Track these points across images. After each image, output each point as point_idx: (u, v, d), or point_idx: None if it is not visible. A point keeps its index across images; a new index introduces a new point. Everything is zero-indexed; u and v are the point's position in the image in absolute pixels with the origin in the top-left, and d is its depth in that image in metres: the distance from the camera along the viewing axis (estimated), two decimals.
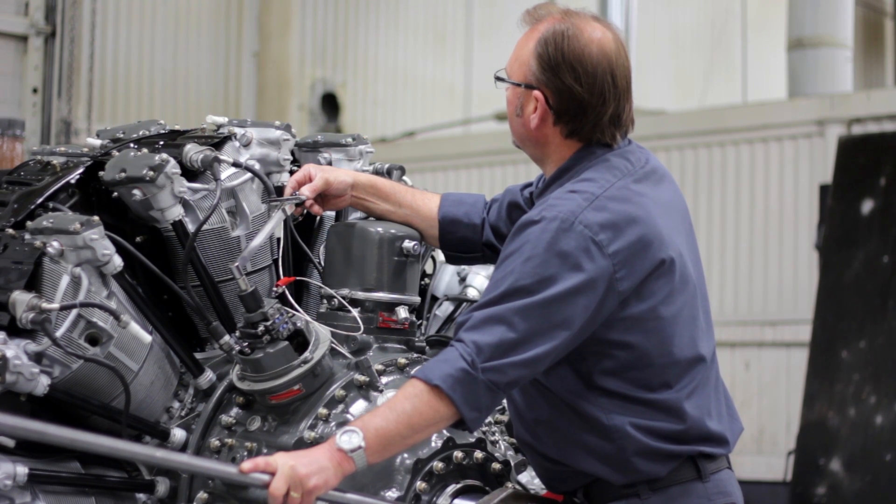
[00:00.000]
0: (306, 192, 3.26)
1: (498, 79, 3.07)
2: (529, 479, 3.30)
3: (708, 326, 3.04)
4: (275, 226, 3.28)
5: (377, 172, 3.59)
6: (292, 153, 3.54)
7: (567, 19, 2.99)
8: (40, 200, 3.26)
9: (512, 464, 3.24)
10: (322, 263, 3.50)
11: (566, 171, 3.01)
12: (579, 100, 2.96)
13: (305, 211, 3.31)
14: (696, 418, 2.94)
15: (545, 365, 2.87)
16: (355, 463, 2.81)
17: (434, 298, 3.72)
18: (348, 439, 2.80)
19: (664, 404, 2.91)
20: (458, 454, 3.16)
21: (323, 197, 3.31)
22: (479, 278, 3.72)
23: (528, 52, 3.00)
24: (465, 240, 3.32)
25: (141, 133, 3.55)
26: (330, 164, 3.57)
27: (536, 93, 2.98)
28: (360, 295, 3.31)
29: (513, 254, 2.88)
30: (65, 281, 3.07)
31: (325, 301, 3.35)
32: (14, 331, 3.02)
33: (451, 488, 3.14)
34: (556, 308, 2.82)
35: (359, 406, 3.18)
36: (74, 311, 3.06)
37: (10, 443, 3.06)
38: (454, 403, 2.81)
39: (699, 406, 2.95)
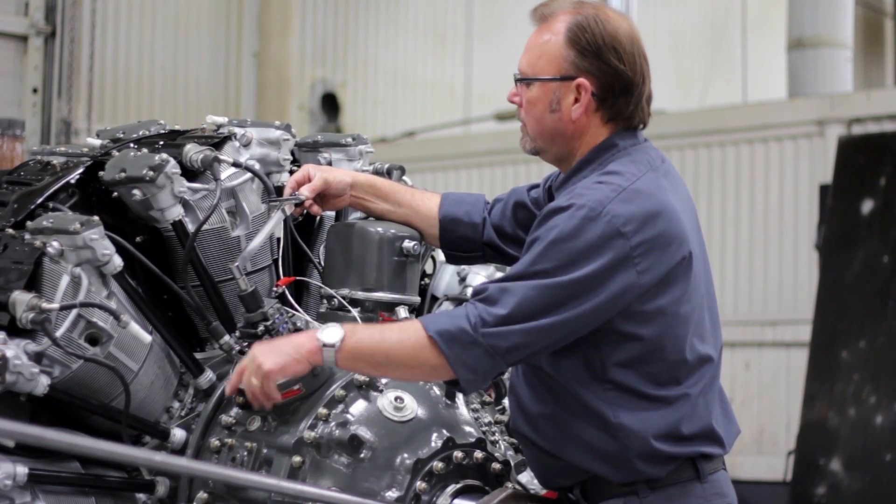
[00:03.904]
0: (305, 192, 3.26)
1: (523, 79, 3.03)
2: (529, 478, 3.30)
3: (715, 327, 3.05)
4: (274, 226, 3.28)
5: (377, 172, 3.59)
6: (292, 153, 3.54)
7: (585, 8, 3.01)
8: (40, 200, 3.27)
9: (512, 464, 3.24)
10: (322, 263, 3.50)
11: (588, 162, 3.01)
12: (624, 80, 2.98)
13: (305, 211, 3.31)
14: (701, 417, 2.94)
15: (548, 340, 2.87)
16: (323, 358, 2.87)
17: (434, 298, 3.72)
18: (331, 333, 2.87)
19: (671, 401, 2.92)
20: (458, 454, 3.16)
21: (322, 197, 3.31)
22: (479, 278, 3.72)
23: (556, 45, 2.99)
24: (465, 239, 3.33)
25: (141, 133, 3.55)
26: (330, 164, 3.57)
27: (580, 80, 2.97)
28: (360, 295, 3.31)
29: (538, 239, 2.90)
30: (65, 281, 3.07)
31: (325, 301, 3.35)
32: (14, 331, 3.03)
33: (451, 488, 3.14)
34: (570, 290, 2.83)
35: (359, 406, 3.18)
36: (74, 311, 3.06)
37: (10, 443, 3.06)
38: (447, 360, 2.85)
39: (704, 406, 2.96)
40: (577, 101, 2.98)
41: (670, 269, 2.90)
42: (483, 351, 2.85)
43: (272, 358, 2.89)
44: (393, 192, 3.37)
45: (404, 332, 2.89)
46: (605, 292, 2.84)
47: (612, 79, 2.97)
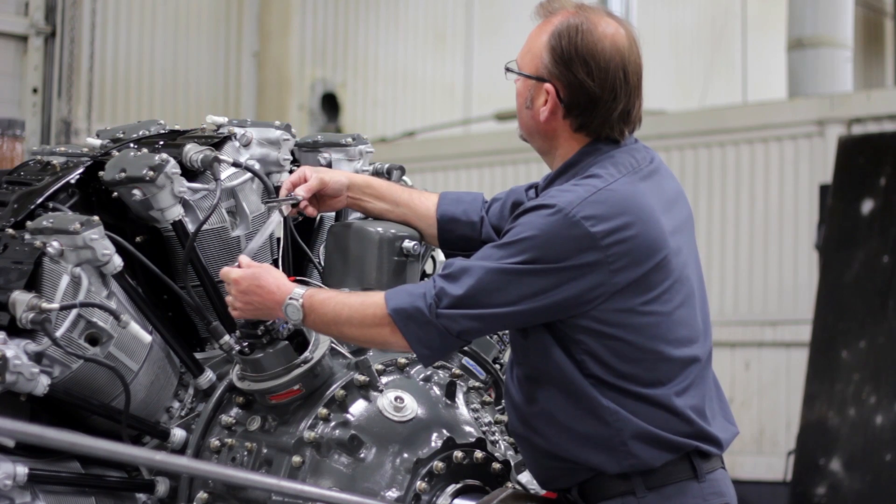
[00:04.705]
0: (301, 192, 3.25)
1: (508, 70, 3.08)
2: (529, 479, 3.30)
3: (705, 328, 3.04)
4: (273, 226, 3.28)
5: (377, 172, 3.59)
6: (292, 153, 3.54)
7: (581, 13, 3.00)
8: (40, 200, 3.27)
9: (512, 464, 3.24)
10: (322, 263, 3.50)
11: (571, 166, 3.02)
12: (590, 94, 2.97)
13: (301, 212, 3.30)
14: (689, 417, 2.94)
15: (499, 326, 2.97)
16: (286, 313, 3.00)
17: None
18: (292, 311, 2.99)
19: (655, 400, 2.91)
20: (458, 454, 3.16)
21: (319, 197, 3.30)
22: None
23: (540, 45, 3.00)
24: (464, 238, 3.33)
25: (141, 133, 3.55)
26: (330, 164, 3.58)
27: (548, 86, 2.99)
28: None
29: (508, 232, 2.93)
30: (65, 281, 3.07)
31: None
32: (14, 331, 3.03)
33: (451, 488, 3.14)
34: (529, 280, 2.86)
35: (359, 406, 3.18)
36: (74, 311, 3.06)
37: (10, 443, 3.06)
38: (403, 336, 2.92)
39: (692, 406, 2.95)
40: (546, 103, 3.00)
41: (647, 269, 2.89)
42: (437, 331, 2.90)
43: (248, 310, 3.06)
44: (390, 192, 3.37)
45: (364, 300, 2.98)
46: (565, 289, 2.85)
47: (577, 90, 2.97)
